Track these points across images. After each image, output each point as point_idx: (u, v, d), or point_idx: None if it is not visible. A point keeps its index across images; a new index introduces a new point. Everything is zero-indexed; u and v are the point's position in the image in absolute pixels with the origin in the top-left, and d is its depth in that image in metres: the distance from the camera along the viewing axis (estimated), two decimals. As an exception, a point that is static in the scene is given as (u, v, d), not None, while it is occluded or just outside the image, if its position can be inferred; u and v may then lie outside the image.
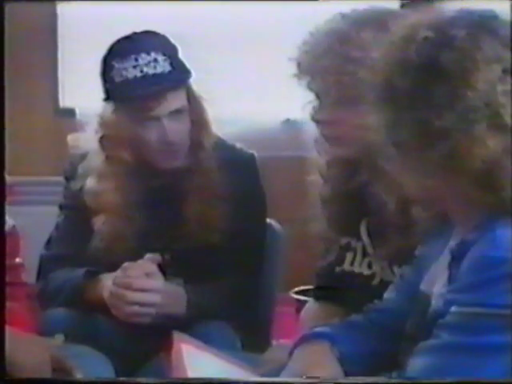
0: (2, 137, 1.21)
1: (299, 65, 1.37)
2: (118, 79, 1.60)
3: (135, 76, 1.58)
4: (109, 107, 1.66)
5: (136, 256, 1.59)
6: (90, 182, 1.66)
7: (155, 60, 1.59)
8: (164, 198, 1.67)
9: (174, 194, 1.66)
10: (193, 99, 1.65)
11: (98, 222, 1.65)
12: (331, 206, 1.44)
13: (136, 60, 1.58)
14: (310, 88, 1.37)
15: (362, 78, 1.15)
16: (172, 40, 1.65)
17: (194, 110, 1.66)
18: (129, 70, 1.58)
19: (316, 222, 1.46)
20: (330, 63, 1.32)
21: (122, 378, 1.45)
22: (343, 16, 1.36)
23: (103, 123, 1.66)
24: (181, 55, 1.66)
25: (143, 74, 1.58)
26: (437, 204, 1.15)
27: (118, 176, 1.65)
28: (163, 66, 1.59)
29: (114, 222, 1.64)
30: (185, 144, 1.65)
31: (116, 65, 1.59)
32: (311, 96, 1.38)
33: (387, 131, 1.10)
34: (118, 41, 1.62)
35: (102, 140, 1.66)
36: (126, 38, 1.62)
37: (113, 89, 1.62)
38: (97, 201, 1.65)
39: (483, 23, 1.06)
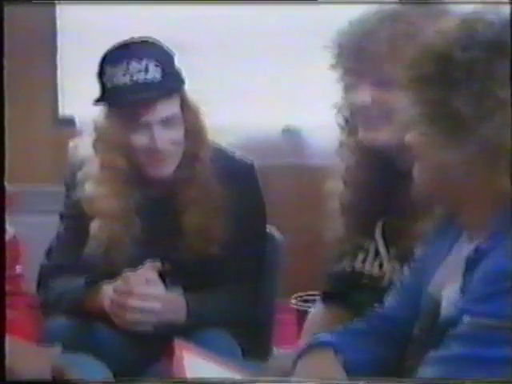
0: (1, 144, 1.20)
1: (340, 47, 1.34)
2: (109, 85, 1.61)
3: (125, 83, 1.59)
4: (103, 112, 1.66)
5: (135, 264, 1.59)
6: (87, 188, 1.66)
7: (146, 68, 1.59)
8: (161, 208, 1.67)
9: (172, 206, 1.66)
10: (187, 108, 1.65)
11: (94, 227, 1.65)
12: (350, 209, 1.43)
13: (127, 67, 1.59)
14: (348, 73, 1.35)
15: (413, 55, 1.12)
16: (167, 48, 1.66)
17: (188, 118, 1.65)
18: (119, 76, 1.59)
19: (331, 228, 1.46)
20: (372, 47, 1.30)
21: (122, 378, 1.45)
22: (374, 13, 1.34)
23: (97, 127, 1.67)
24: (177, 63, 1.66)
25: (133, 81, 1.58)
26: (458, 197, 1.11)
27: (112, 182, 1.65)
28: (154, 73, 1.60)
29: (110, 227, 1.64)
30: (175, 152, 1.64)
31: (108, 70, 1.61)
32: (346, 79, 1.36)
33: (430, 107, 1.08)
34: (113, 47, 1.63)
35: (95, 144, 1.67)
36: (121, 44, 1.62)
37: (105, 94, 1.63)
38: (93, 206, 1.65)
39: None
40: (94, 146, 1.66)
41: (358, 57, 1.34)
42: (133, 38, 1.64)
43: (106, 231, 1.64)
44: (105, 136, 1.65)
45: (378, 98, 1.34)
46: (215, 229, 1.64)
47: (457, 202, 1.13)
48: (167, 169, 1.64)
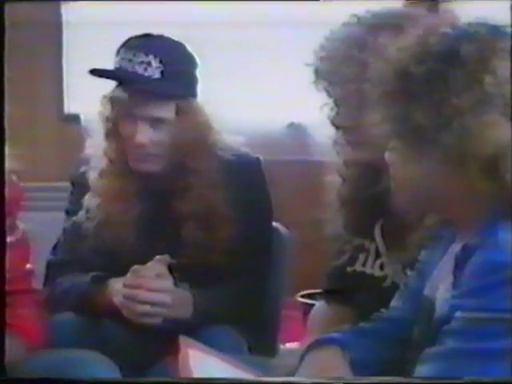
0: (2, 137, 1.21)
1: (317, 71, 1.36)
2: (115, 65, 1.64)
3: (126, 69, 1.61)
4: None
5: (141, 260, 1.59)
6: (91, 175, 1.68)
7: (149, 63, 1.60)
8: (162, 219, 1.67)
9: (173, 216, 1.66)
10: (183, 115, 1.64)
11: (93, 205, 1.66)
12: (348, 206, 1.44)
13: (134, 56, 1.61)
14: (329, 94, 1.37)
15: (374, 70, 1.16)
16: (187, 55, 1.67)
17: (185, 130, 1.64)
18: (124, 62, 1.62)
19: (330, 223, 1.46)
20: (349, 71, 1.32)
21: (123, 379, 1.46)
22: (359, 19, 1.35)
23: (106, 101, 1.68)
24: (185, 69, 1.65)
25: (133, 70, 1.60)
26: (440, 205, 1.15)
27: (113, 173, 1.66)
28: (153, 71, 1.61)
29: (109, 206, 1.65)
30: (157, 153, 1.63)
31: (121, 53, 1.64)
32: (327, 100, 1.38)
33: (396, 123, 1.11)
34: (138, 35, 1.66)
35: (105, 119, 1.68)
36: (143, 34, 1.65)
37: (111, 70, 1.65)
38: (95, 187, 1.67)
39: (499, 28, 1.10)
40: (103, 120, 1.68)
41: (332, 80, 1.35)
42: (162, 34, 1.65)
43: (104, 209, 1.65)
44: (107, 111, 1.67)
45: (359, 122, 1.34)
46: (215, 239, 1.64)
47: (438, 209, 1.16)
48: (149, 166, 1.64)
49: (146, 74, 1.61)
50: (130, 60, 1.61)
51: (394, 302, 1.28)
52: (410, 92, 1.09)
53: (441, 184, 1.11)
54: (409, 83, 1.09)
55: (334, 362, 1.18)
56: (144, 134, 1.62)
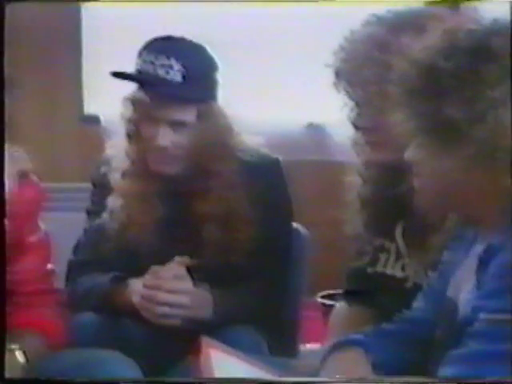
0: (2, 137, 1.21)
1: (337, 73, 1.36)
2: (137, 67, 1.64)
3: (148, 72, 1.61)
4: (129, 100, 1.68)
5: (161, 261, 1.60)
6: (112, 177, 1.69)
7: (170, 66, 1.61)
8: (183, 220, 1.67)
9: (194, 217, 1.66)
10: (204, 119, 1.64)
11: (115, 204, 1.66)
12: (369, 207, 1.44)
13: (156, 58, 1.61)
14: (349, 96, 1.37)
15: (397, 70, 1.15)
16: (207, 58, 1.66)
17: (206, 133, 1.64)
18: (146, 64, 1.62)
19: (350, 223, 1.46)
20: (370, 72, 1.31)
21: (145, 378, 1.46)
22: (379, 19, 1.35)
23: (128, 103, 1.69)
24: (206, 73, 1.65)
25: (155, 74, 1.60)
26: (465, 203, 1.14)
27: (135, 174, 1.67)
28: (175, 74, 1.61)
29: (130, 206, 1.66)
30: (178, 155, 1.64)
31: (142, 55, 1.64)
32: (347, 100, 1.38)
33: (423, 119, 1.11)
34: (160, 36, 1.66)
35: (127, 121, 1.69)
36: (165, 36, 1.66)
37: (133, 74, 1.66)
38: (117, 188, 1.68)
39: None
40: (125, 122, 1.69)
41: (353, 81, 1.35)
42: (183, 36, 1.66)
43: (126, 210, 1.65)
44: (129, 113, 1.68)
45: (380, 123, 1.33)
46: (236, 240, 1.64)
47: (464, 206, 1.15)
48: (169, 168, 1.65)
49: (168, 77, 1.61)
50: (151, 62, 1.61)
51: (416, 303, 1.27)
52: (440, 87, 1.09)
53: (467, 180, 1.10)
54: (438, 79, 1.09)
55: (357, 364, 1.18)
56: (165, 137, 1.62)
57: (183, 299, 1.56)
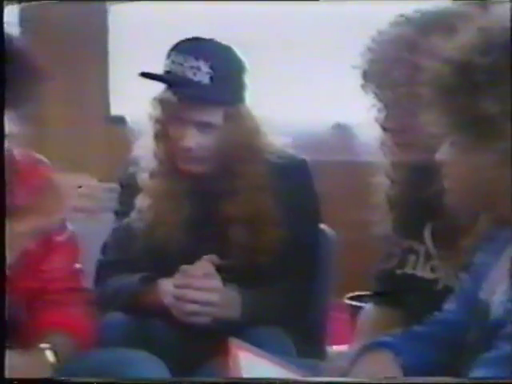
0: (2, 138, 1.22)
1: (365, 74, 1.35)
2: (165, 68, 1.65)
3: (176, 74, 1.61)
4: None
5: (189, 260, 1.60)
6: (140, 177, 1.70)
7: (198, 68, 1.61)
8: (211, 220, 1.67)
9: (221, 217, 1.66)
10: (231, 121, 1.64)
11: (143, 204, 1.67)
12: (397, 208, 1.43)
13: (184, 60, 1.62)
14: (377, 97, 1.36)
15: (428, 70, 1.15)
16: (235, 60, 1.66)
17: (232, 135, 1.64)
18: (175, 65, 1.63)
19: (378, 225, 1.45)
20: (399, 74, 1.30)
21: (173, 378, 1.46)
22: (407, 19, 1.34)
23: (156, 103, 1.69)
24: (234, 75, 1.65)
25: (183, 75, 1.61)
26: (498, 201, 1.12)
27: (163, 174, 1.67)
28: (202, 76, 1.61)
29: (160, 208, 1.66)
30: (204, 155, 1.64)
31: (172, 55, 1.65)
32: (375, 101, 1.37)
33: (457, 116, 1.11)
34: (188, 38, 1.66)
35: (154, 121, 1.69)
36: (193, 37, 1.66)
37: (161, 74, 1.66)
38: (146, 188, 1.68)
39: None
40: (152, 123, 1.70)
41: (381, 83, 1.33)
42: (212, 38, 1.66)
43: (154, 210, 1.66)
44: (157, 113, 1.68)
45: (409, 124, 1.32)
46: (263, 241, 1.64)
47: (496, 206, 1.14)
48: (197, 167, 1.66)
49: (196, 79, 1.61)
50: (180, 64, 1.62)
51: (447, 305, 1.26)
52: (475, 84, 1.08)
53: (500, 178, 1.09)
54: (473, 75, 1.09)
55: (386, 367, 1.17)
56: (191, 138, 1.63)
57: (213, 297, 1.56)
